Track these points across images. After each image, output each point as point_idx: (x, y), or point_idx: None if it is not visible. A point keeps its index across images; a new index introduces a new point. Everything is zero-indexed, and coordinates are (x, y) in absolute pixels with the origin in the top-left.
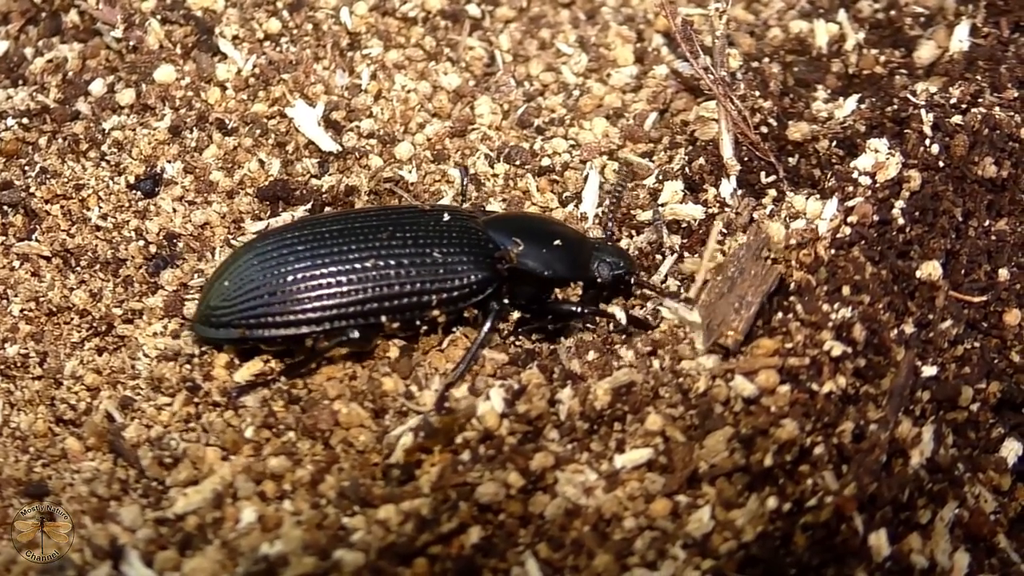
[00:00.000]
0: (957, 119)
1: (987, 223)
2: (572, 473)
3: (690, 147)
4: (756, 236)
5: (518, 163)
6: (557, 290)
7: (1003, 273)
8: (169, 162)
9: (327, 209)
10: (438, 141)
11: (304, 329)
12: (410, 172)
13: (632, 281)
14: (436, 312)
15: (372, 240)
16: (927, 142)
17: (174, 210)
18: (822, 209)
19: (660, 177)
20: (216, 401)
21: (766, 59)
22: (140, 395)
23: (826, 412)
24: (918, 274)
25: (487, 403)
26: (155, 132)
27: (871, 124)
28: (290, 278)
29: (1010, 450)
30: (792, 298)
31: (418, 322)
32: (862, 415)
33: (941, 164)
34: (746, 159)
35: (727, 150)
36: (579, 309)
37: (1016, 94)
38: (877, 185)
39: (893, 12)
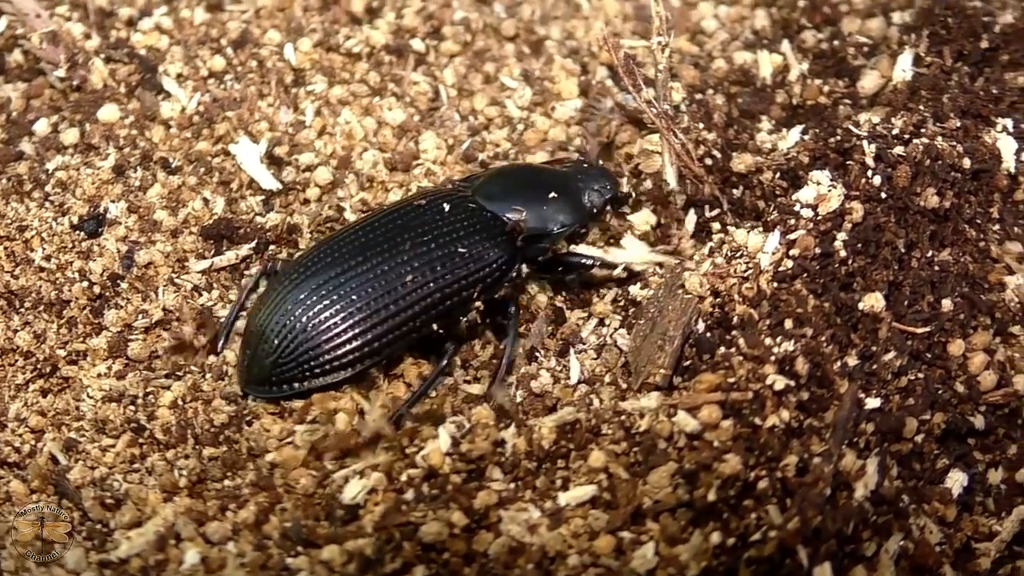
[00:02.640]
0: (899, 150)
1: (930, 254)
2: (516, 511)
3: (634, 180)
4: (672, 273)
5: None
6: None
7: (947, 304)
8: (113, 202)
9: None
10: (382, 176)
11: (368, 362)
12: (352, 208)
13: (618, 197)
14: (478, 303)
15: (399, 254)
16: (869, 173)
17: (118, 250)
18: (764, 242)
19: None
20: (160, 441)
21: (710, 90)
22: (84, 437)
23: (769, 446)
24: (861, 306)
25: (434, 441)
26: (99, 172)
27: (814, 155)
28: (344, 319)
29: (955, 481)
30: (734, 332)
31: (462, 317)
32: (806, 448)
33: (883, 195)
34: (690, 192)
35: (671, 183)
36: (590, 261)
37: (959, 124)
38: (819, 217)
39: (837, 42)
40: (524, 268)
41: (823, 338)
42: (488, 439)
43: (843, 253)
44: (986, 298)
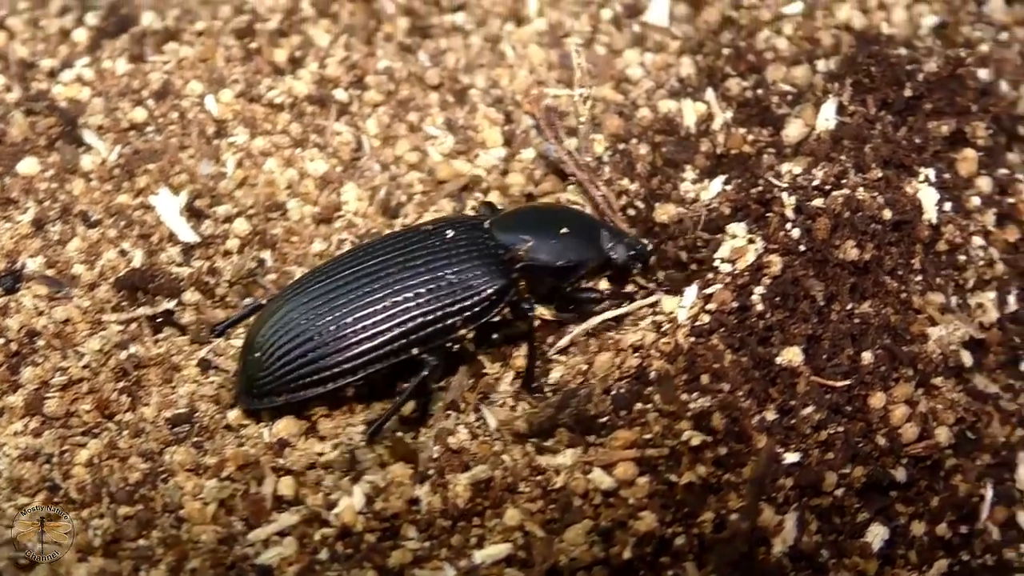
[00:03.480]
0: (819, 201)
1: (850, 306)
2: (431, 570)
3: None
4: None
5: None
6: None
7: (867, 356)
8: (31, 257)
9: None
10: (303, 228)
11: (341, 381)
12: (274, 260)
13: (645, 262)
14: (463, 332)
15: (387, 277)
16: (788, 226)
17: (35, 306)
18: (681, 297)
19: None
20: (75, 500)
21: (634, 140)
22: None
23: (686, 503)
24: (779, 360)
25: (347, 499)
26: (17, 226)
27: (736, 206)
28: (319, 336)
29: (875, 535)
30: (650, 388)
31: (448, 344)
32: (723, 504)
33: (803, 248)
34: None
35: None
36: (599, 294)
37: (880, 174)
38: (736, 271)
39: (761, 90)
40: (528, 301)
41: (740, 393)
42: (402, 497)
43: (761, 307)
44: (908, 350)
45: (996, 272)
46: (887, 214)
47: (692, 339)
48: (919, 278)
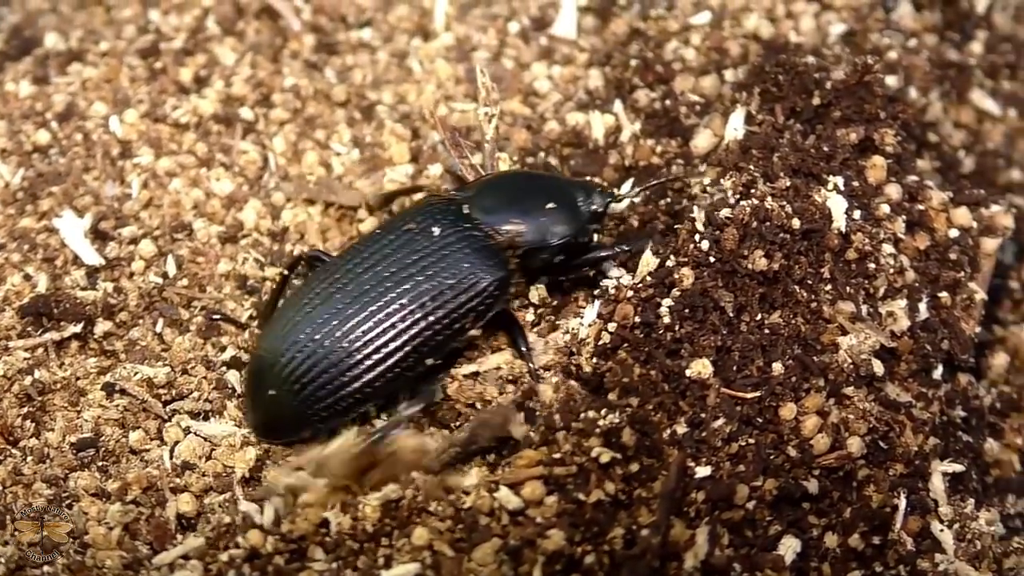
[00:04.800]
0: (727, 212)
1: (760, 317)
2: None
3: None
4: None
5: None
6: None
7: (777, 367)
8: None
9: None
10: (209, 249)
11: (359, 408)
12: (181, 281)
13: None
14: (473, 331)
15: (388, 292)
16: (697, 237)
17: None
18: (582, 315)
19: None
20: None
21: (542, 153)
22: None
23: (595, 521)
24: (689, 373)
25: (254, 521)
26: None
27: (644, 219)
28: (336, 366)
29: (788, 547)
30: (556, 405)
31: (458, 345)
32: (633, 520)
33: (712, 259)
34: None
35: None
36: (610, 252)
37: (789, 183)
38: (640, 285)
39: (669, 101)
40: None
41: (650, 407)
42: (311, 519)
43: (668, 320)
44: (818, 360)
45: (907, 280)
46: (796, 223)
47: (599, 355)
48: (829, 287)
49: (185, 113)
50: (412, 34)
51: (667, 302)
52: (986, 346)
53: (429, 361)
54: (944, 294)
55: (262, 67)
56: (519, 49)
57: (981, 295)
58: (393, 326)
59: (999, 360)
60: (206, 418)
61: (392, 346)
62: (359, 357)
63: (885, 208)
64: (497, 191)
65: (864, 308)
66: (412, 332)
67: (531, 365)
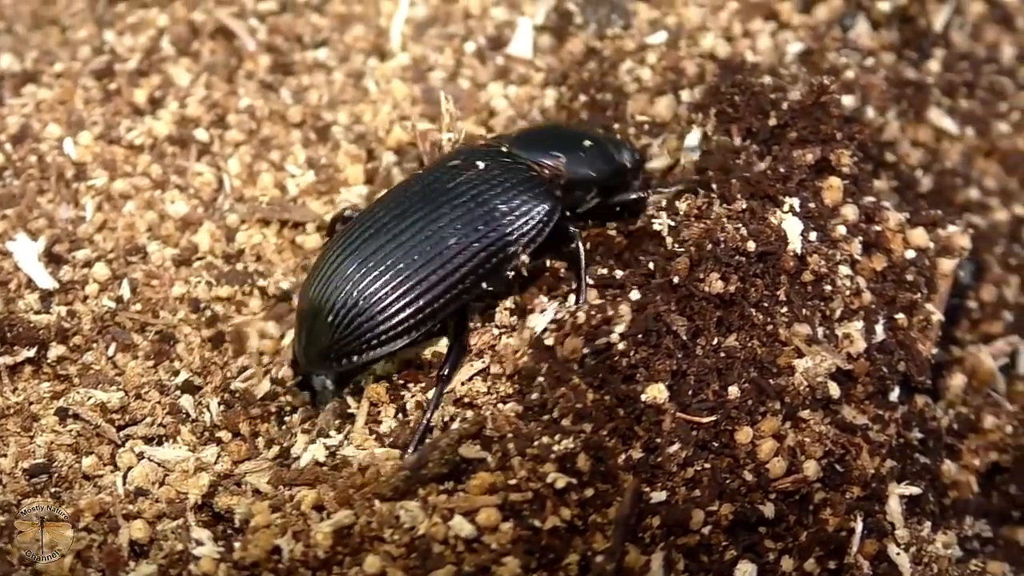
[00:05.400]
0: (683, 234)
1: (716, 341)
2: None
3: None
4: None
5: (240, 285)
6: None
7: (733, 391)
8: None
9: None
10: (163, 272)
11: (421, 329)
12: (134, 305)
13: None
14: (524, 258)
15: (440, 218)
16: (651, 261)
17: None
18: (532, 336)
19: None
20: None
21: None
22: None
23: (551, 547)
24: (644, 398)
25: (207, 548)
26: None
27: (597, 242)
28: (400, 287)
29: (744, 572)
30: (511, 431)
31: (508, 273)
32: (588, 546)
33: (666, 282)
34: None
35: None
36: (642, 195)
37: (745, 205)
38: (593, 308)
39: (620, 124)
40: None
41: (605, 432)
42: (263, 546)
43: (623, 345)
44: (775, 383)
45: (863, 301)
46: (751, 246)
47: (552, 379)
48: (785, 309)
49: (140, 135)
50: (368, 54)
51: (619, 327)
52: (943, 367)
53: (484, 284)
54: (901, 316)
55: (217, 88)
56: (475, 69)
57: (938, 316)
58: (450, 248)
59: (956, 381)
60: (160, 443)
61: (451, 266)
62: (424, 277)
63: (842, 230)
64: (535, 134)
65: (820, 330)
66: (468, 253)
67: (583, 282)
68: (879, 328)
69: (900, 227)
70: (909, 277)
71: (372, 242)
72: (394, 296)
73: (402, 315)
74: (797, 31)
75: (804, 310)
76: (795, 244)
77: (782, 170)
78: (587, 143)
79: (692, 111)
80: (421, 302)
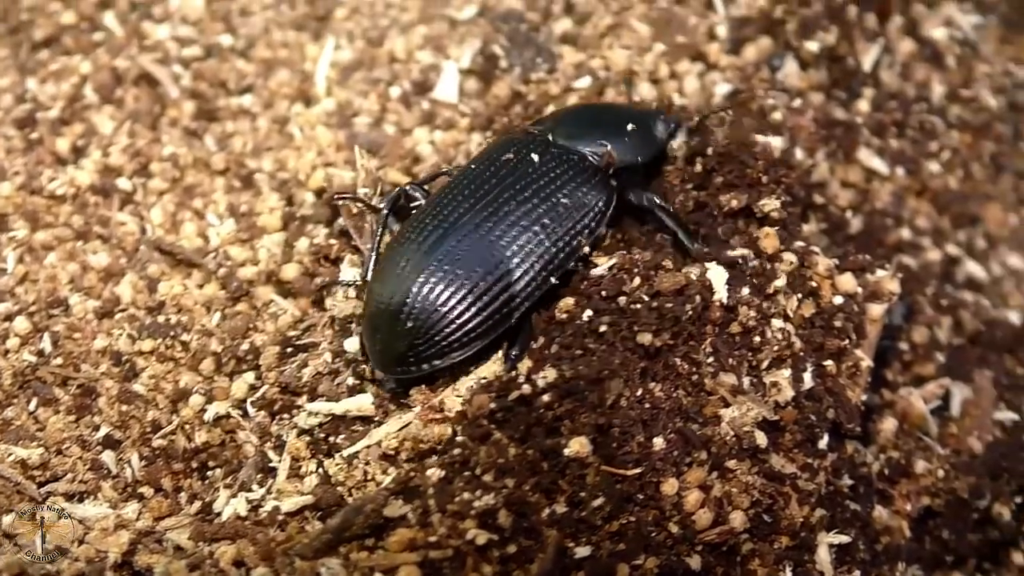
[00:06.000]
0: (611, 289)
1: (640, 392)
2: None
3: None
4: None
5: (162, 338)
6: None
7: (658, 442)
8: None
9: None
10: (85, 325)
11: (498, 330)
12: (56, 359)
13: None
14: (587, 249)
15: (506, 216)
16: (577, 316)
17: None
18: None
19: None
20: None
21: None
22: None
23: None
24: (567, 451)
25: None
26: None
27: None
28: (477, 288)
29: None
30: (431, 489)
31: (573, 264)
32: None
33: (593, 335)
34: None
35: None
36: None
37: (671, 253)
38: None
39: None
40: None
41: (527, 487)
42: None
43: (547, 398)
44: (701, 433)
45: (791, 349)
46: (678, 297)
47: (473, 435)
48: (711, 359)
49: (62, 184)
50: (293, 100)
51: (541, 382)
52: (874, 411)
53: (553, 279)
54: (829, 362)
55: (141, 136)
56: (400, 114)
57: (867, 362)
58: (521, 246)
59: (888, 425)
60: (80, 499)
61: (525, 265)
62: (488, 284)
63: (770, 276)
64: (577, 121)
65: (747, 380)
66: (540, 250)
67: (677, 224)
68: (807, 376)
69: (829, 273)
70: (837, 323)
71: (443, 243)
72: (471, 301)
73: (479, 319)
74: (725, 72)
75: (731, 359)
76: (721, 293)
77: (709, 218)
78: (630, 127)
79: None
80: (497, 303)
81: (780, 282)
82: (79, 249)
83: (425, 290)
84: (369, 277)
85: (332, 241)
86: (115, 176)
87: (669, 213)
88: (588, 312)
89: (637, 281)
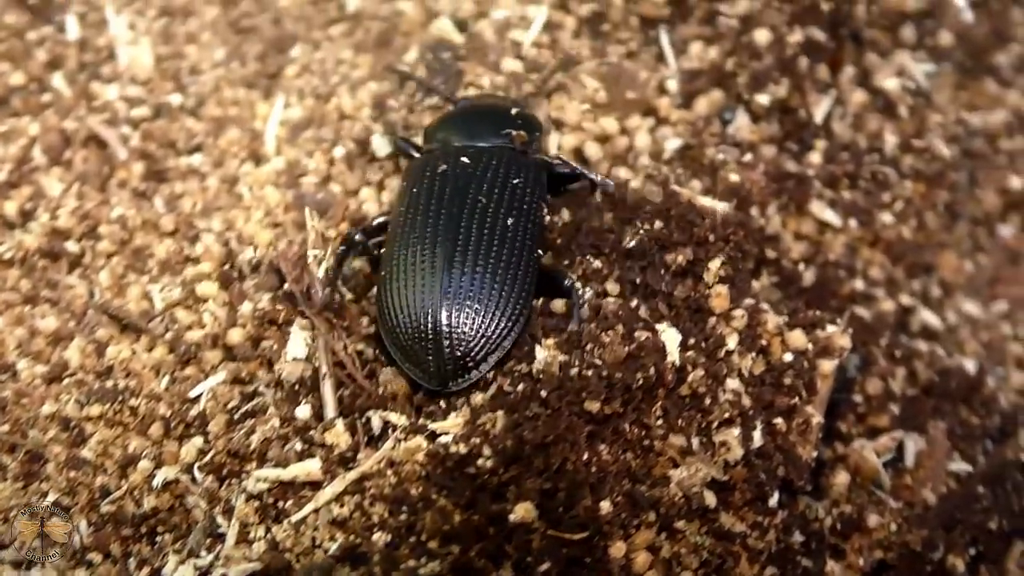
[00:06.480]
0: (553, 353)
1: (587, 456)
2: None
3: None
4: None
5: (110, 403)
6: None
7: (605, 505)
8: None
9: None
10: (33, 390)
11: (524, 317)
12: (3, 426)
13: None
14: (547, 216)
15: (491, 214)
16: (519, 386)
17: None
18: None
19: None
20: None
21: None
22: None
23: None
24: (512, 517)
25: None
26: None
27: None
28: (490, 300)
29: None
30: (377, 555)
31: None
32: None
33: (538, 405)
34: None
35: (327, 397)
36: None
37: (621, 315)
38: (461, 431)
39: None
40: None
41: (473, 553)
42: None
43: (491, 464)
44: (649, 494)
45: (741, 407)
46: (629, 362)
47: (416, 501)
48: (660, 421)
49: (10, 249)
50: (243, 159)
51: (487, 449)
52: (827, 464)
53: (539, 252)
54: (779, 420)
55: (89, 198)
56: (345, 175)
57: (818, 419)
58: (511, 234)
59: (840, 479)
60: (28, 567)
61: (520, 250)
62: (503, 273)
63: (721, 336)
64: (475, 124)
65: (696, 440)
66: (525, 233)
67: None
68: (757, 434)
69: (779, 330)
70: (788, 381)
71: (444, 258)
72: (497, 301)
73: (508, 314)
74: (676, 127)
75: (680, 420)
76: (673, 355)
77: (659, 278)
78: (514, 112)
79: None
80: (516, 293)
81: (731, 341)
82: (27, 313)
83: (456, 307)
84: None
85: (279, 307)
86: (63, 239)
87: (567, 163)
88: (534, 383)
89: (586, 351)
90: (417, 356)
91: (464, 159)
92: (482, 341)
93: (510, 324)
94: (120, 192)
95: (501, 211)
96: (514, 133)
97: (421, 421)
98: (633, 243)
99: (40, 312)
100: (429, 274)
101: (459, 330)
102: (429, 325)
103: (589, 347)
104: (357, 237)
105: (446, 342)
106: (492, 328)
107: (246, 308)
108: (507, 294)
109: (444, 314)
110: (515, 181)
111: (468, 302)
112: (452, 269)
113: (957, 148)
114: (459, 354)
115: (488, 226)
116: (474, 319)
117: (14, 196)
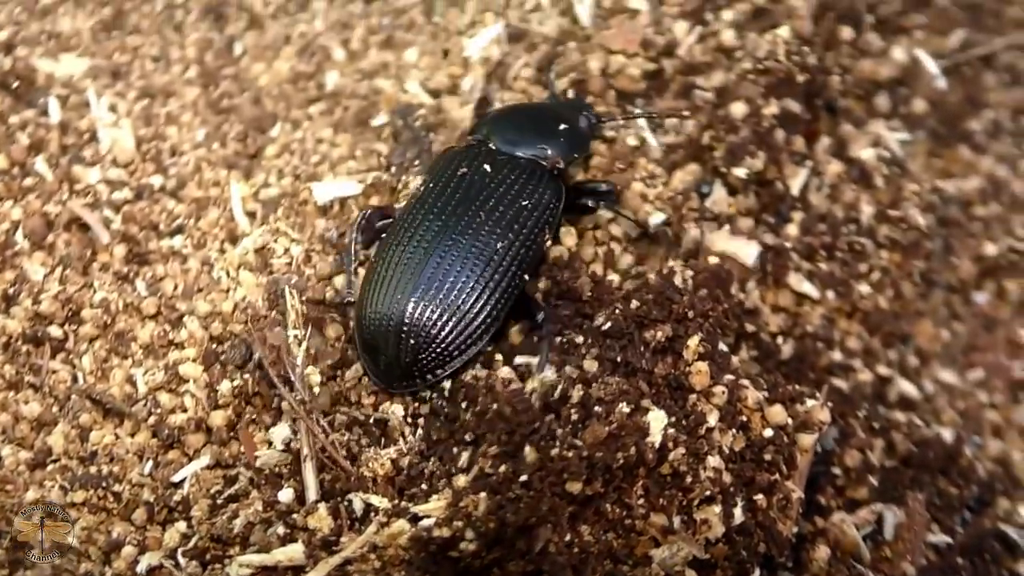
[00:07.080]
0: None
1: (568, 537)
2: None
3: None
4: None
5: (94, 489)
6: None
7: None
8: None
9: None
10: (17, 477)
11: (492, 331)
12: None
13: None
14: (549, 243)
15: (480, 227)
16: (502, 467)
17: None
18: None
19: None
20: None
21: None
22: None
23: None
24: None
25: None
26: None
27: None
28: (458, 307)
29: None
30: None
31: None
32: None
33: (520, 484)
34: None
35: (309, 480)
36: (607, 187)
37: (603, 397)
38: (444, 514)
39: None
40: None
41: None
42: None
43: (473, 547)
44: (631, 574)
45: (722, 484)
46: (610, 443)
47: None
48: (642, 501)
49: None
50: (223, 240)
51: (470, 533)
52: (807, 539)
53: (526, 276)
54: (760, 496)
55: (72, 282)
56: (318, 260)
57: (798, 494)
58: (499, 252)
59: (821, 553)
60: None
61: (503, 268)
62: (478, 291)
63: (702, 415)
64: (513, 128)
65: (678, 519)
66: (514, 252)
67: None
68: (738, 511)
69: (759, 405)
70: (768, 456)
71: (429, 260)
72: (465, 311)
73: (474, 325)
74: (654, 203)
75: (661, 500)
76: (656, 437)
77: (639, 356)
78: (562, 127)
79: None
80: (488, 307)
81: (712, 418)
82: (11, 399)
83: (421, 308)
84: (352, 300)
85: (259, 390)
86: (47, 324)
87: (613, 201)
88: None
89: (568, 428)
90: (375, 349)
91: (487, 167)
92: (438, 349)
93: (469, 342)
94: (103, 275)
95: (496, 231)
96: (549, 152)
97: (403, 504)
98: (609, 324)
99: (23, 397)
100: (408, 273)
101: (419, 333)
102: (392, 320)
103: (568, 428)
104: (372, 215)
105: (403, 341)
106: (451, 340)
107: (227, 390)
108: (475, 313)
109: (409, 312)
110: (523, 203)
111: (435, 308)
112: (429, 275)
113: (932, 216)
114: (412, 357)
115: (479, 243)
116: (437, 326)
117: None
